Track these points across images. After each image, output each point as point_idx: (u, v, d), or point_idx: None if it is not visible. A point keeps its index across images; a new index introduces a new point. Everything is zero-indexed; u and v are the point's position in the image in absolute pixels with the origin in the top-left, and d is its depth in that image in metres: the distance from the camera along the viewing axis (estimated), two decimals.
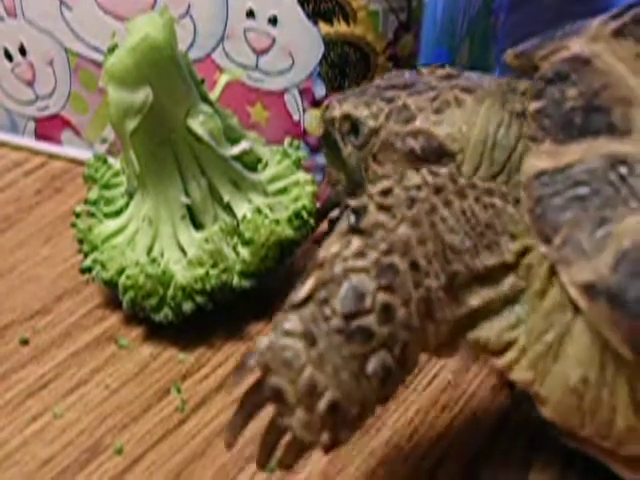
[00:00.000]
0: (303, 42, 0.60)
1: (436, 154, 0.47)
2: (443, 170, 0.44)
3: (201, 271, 0.53)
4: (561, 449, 0.46)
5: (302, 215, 0.55)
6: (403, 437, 0.49)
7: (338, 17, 0.59)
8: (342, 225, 0.41)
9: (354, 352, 0.39)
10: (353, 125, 0.50)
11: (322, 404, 0.38)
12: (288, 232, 0.55)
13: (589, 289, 0.39)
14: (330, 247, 0.41)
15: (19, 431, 0.50)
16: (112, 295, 0.57)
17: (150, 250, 0.54)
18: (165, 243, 0.54)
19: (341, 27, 0.59)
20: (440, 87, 0.49)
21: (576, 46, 0.45)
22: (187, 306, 0.54)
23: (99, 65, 0.65)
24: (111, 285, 0.55)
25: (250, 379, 0.39)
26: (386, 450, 0.49)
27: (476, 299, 0.42)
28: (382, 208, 0.41)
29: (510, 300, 0.43)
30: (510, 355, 0.43)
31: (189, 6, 0.62)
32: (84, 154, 0.69)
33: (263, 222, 0.54)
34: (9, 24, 0.67)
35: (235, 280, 0.54)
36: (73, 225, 0.57)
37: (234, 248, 0.54)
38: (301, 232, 0.55)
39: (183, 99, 0.53)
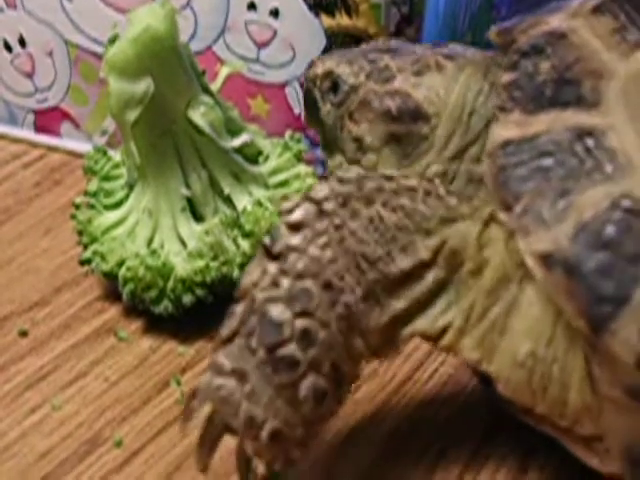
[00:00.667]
0: (304, 34, 0.60)
1: (411, 115, 0.47)
2: (351, 174, 0.44)
3: (201, 263, 0.53)
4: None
5: None
6: (404, 431, 0.49)
7: (340, 10, 0.59)
8: (261, 248, 0.42)
9: (283, 381, 0.40)
10: (333, 82, 0.49)
11: (264, 434, 0.40)
12: None
13: (547, 259, 0.39)
14: (251, 274, 0.41)
15: (17, 423, 0.50)
16: (111, 287, 0.57)
17: (150, 242, 0.54)
18: (165, 235, 0.54)
19: (343, 20, 0.59)
20: (423, 53, 0.49)
21: (555, 21, 0.44)
22: (187, 299, 0.53)
23: (99, 57, 0.65)
24: (111, 277, 0.54)
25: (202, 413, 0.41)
26: (387, 443, 0.48)
27: (401, 302, 0.42)
28: (292, 228, 0.41)
29: (435, 291, 0.43)
30: (449, 337, 0.42)
31: None
32: (83, 146, 0.68)
33: (263, 214, 0.54)
34: (8, 15, 0.66)
35: (235, 272, 0.54)
36: (73, 217, 0.57)
37: (234, 240, 0.54)
38: None
39: (184, 90, 0.53)
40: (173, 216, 0.54)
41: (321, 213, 0.42)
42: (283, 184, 0.56)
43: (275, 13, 0.60)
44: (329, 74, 0.49)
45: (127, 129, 0.52)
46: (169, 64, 0.52)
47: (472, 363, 0.43)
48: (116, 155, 0.58)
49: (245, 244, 0.54)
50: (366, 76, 0.48)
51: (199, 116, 0.53)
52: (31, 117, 0.69)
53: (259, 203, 0.54)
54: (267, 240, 0.41)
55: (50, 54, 0.66)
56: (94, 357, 0.54)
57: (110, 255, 0.54)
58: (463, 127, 0.46)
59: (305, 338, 0.40)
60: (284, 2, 0.59)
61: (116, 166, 0.58)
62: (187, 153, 0.54)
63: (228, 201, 0.55)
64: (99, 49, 0.65)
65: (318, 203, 0.42)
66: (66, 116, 0.68)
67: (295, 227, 0.41)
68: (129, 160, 0.54)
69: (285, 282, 0.40)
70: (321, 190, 0.42)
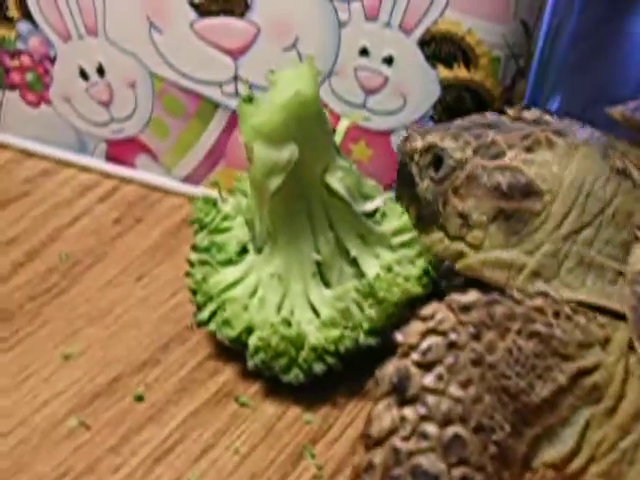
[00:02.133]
0: (418, 84, 0.58)
1: (523, 191, 0.46)
2: (470, 298, 0.42)
3: (336, 333, 0.51)
4: None
5: (430, 272, 0.54)
6: None
7: (459, 62, 0.57)
8: (382, 387, 0.40)
9: None
10: (435, 157, 0.48)
11: None
12: (417, 289, 0.53)
13: None
14: (381, 420, 0.40)
15: None
16: (220, 343, 0.55)
17: (279, 308, 0.52)
18: (296, 301, 0.52)
19: (461, 72, 0.57)
20: (529, 128, 0.48)
21: None
22: (318, 367, 0.52)
23: (186, 91, 0.63)
24: (238, 343, 0.53)
25: None
26: None
27: (535, 429, 0.41)
28: (423, 367, 0.40)
29: (567, 418, 0.42)
30: (575, 466, 0.42)
31: (296, 39, 0.59)
32: (159, 180, 0.66)
33: (395, 280, 0.52)
34: (88, 42, 0.63)
35: (361, 337, 0.53)
36: (188, 274, 0.54)
37: (358, 305, 0.53)
38: (428, 288, 0.54)
39: (323, 154, 0.51)
40: (304, 281, 0.52)
41: (451, 346, 0.40)
42: (407, 245, 0.55)
43: (389, 60, 0.58)
44: (431, 148, 0.48)
45: (266, 196, 0.50)
46: (313, 129, 0.50)
47: None
48: (225, 206, 0.56)
49: (372, 309, 0.53)
50: (473, 151, 0.47)
51: (336, 181, 0.51)
52: (103, 146, 0.66)
53: (389, 268, 0.53)
54: (395, 381, 0.40)
55: (132, 85, 0.63)
56: (219, 425, 0.52)
57: (235, 320, 0.52)
58: (579, 209, 0.45)
59: None
60: (400, 50, 0.58)
61: (225, 218, 0.55)
62: (318, 217, 0.52)
63: (354, 264, 0.53)
64: (188, 83, 0.62)
65: (444, 334, 0.41)
66: (143, 148, 0.65)
67: (426, 366, 0.40)
68: (261, 224, 0.52)
69: (432, 429, 0.39)
70: (445, 320, 0.41)
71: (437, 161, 0.48)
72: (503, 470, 0.39)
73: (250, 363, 0.52)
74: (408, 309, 0.54)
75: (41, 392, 0.53)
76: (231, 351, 0.54)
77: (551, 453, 0.41)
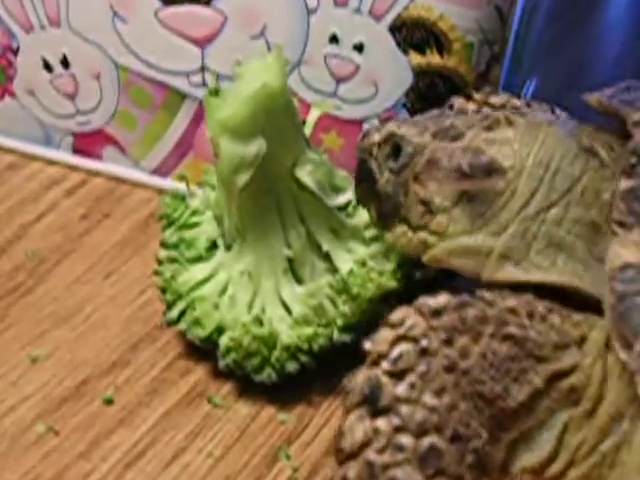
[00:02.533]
0: (389, 71, 0.57)
1: (485, 170, 0.44)
2: (440, 300, 0.40)
3: (309, 330, 0.50)
4: None
5: (404, 265, 0.52)
6: None
7: (432, 48, 0.56)
8: (353, 398, 0.39)
9: None
10: (394, 147, 0.47)
11: None
12: (392, 284, 0.52)
13: None
14: (353, 433, 0.38)
15: None
16: (191, 342, 0.53)
17: (250, 307, 0.51)
18: (267, 299, 0.51)
19: (434, 58, 0.56)
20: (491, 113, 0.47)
21: None
22: (291, 366, 0.51)
23: (152, 82, 0.61)
24: (208, 343, 0.51)
25: None
26: None
27: (512, 433, 0.40)
28: (395, 376, 0.39)
29: (543, 421, 0.40)
30: (554, 471, 0.41)
31: (264, 27, 0.57)
32: (127, 172, 0.64)
33: (369, 276, 0.51)
34: (51, 33, 0.61)
35: (335, 334, 0.52)
36: (157, 273, 0.53)
37: (332, 301, 0.51)
38: (403, 282, 0.52)
39: (292, 147, 0.50)
40: (275, 278, 0.51)
41: (422, 353, 0.39)
42: (380, 238, 0.53)
43: (359, 48, 0.56)
44: (390, 137, 0.47)
45: (234, 192, 0.49)
46: (281, 122, 0.49)
47: None
48: (193, 200, 0.54)
49: (346, 306, 0.51)
50: (432, 135, 0.46)
51: (307, 174, 0.50)
52: (69, 139, 0.65)
53: (363, 263, 0.51)
54: (366, 391, 0.38)
55: (97, 76, 0.62)
56: (191, 428, 0.51)
57: (206, 319, 0.51)
58: (546, 186, 0.44)
59: None
60: (370, 37, 0.56)
61: (194, 213, 0.54)
62: (288, 211, 0.51)
63: (326, 259, 0.52)
64: (155, 74, 0.60)
65: (415, 341, 0.39)
66: (110, 140, 0.64)
67: (397, 375, 0.38)
68: (229, 220, 0.51)
69: (407, 441, 0.38)
70: (415, 326, 0.39)
71: (396, 151, 0.47)
72: (481, 478, 0.38)
73: (221, 363, 0.51)
74: (382, 304, 0.53)
75: (8, 397, 0.51)
76: (202, 350, 0.53)
77: (529, 458, 0.40)
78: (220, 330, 0.51)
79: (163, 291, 0.53)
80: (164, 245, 0.54)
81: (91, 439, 0.50)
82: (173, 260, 0.53)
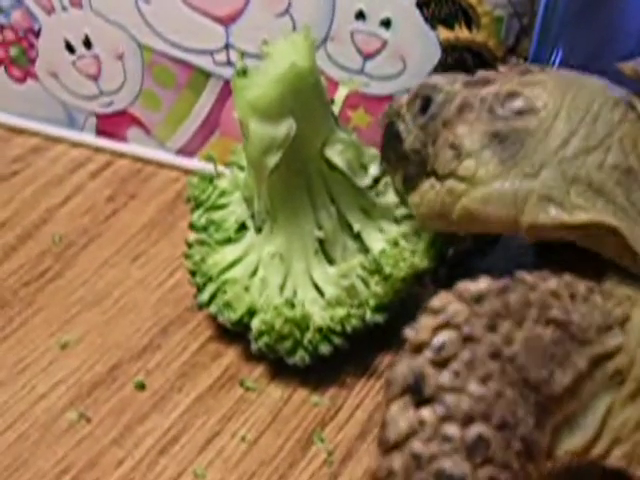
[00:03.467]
0: (417, 46, 0.56)
1: (516, 110, 0.43)
2: (480, 285, 0.39)
3: (342, 312, 0.50)
4: None
5: (437, 244, 0.51)
6: None
7: (460, 22, 0.54)
8: (395, 388, 0.37)
9: None
10: (424, 101, 0.46)
11: None
12: (424, 263, 0.51)
13: None
14: (397, 424, 0.37)
15: None
16: (222, 325, 0.53)
17: (282, 289, 0.50)
18: (299, 281, 0.50)
19: (462, 33, 0.55)
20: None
21: None
22: (325, 348, 0.50)
23: (177, 61, 0.60)
24: (240, 326, 0.51)
25: None
26: None
27: (556, 417, 0.39)
28: (438, 365, 0.37)
29: (586, 404, 0.40)
30: (597, 451, 0.40)
31: (289, 4, 0.56)
32: (152, 153, 0.64)
33: (402, 255, 0.50)
34: (72, 14, 0.61)
35: (368, 315, 0.51)
36: (187, 256, 0.52)
37: (363, 281, 0.51)
38: (436, 261, 0.52)
39: (322, 127, 0.49)
40: (306, 260, 0.50)
41: (466, 340, 0.38)
42: (412, 216, 0.52)
43: (386, 23, 0.55)
44: (420, 91, 0.46)
45: (264, 174, 0.48)
46: (310, 101, 0.48)
47: (615, 467, 0.40)
48: (221, 181, 0.54)
49: (378, 287, 0.51)
50: (463, 84, 0.45)
51: (336, 154, 0.49)
52: (93, 121, 0.64)
53: (395, 243, 0.51)
54: (409, 381, 0.37)
55: (120, 57, 0.61)
56: (224, 412, 0.50)
57: (237, 302, 0.50)
58: (586, 129, 0.42)
59: None
60: (397, 12, 0.55)
61: (222, 194, 0.53)
62: (318, 192, 0.50)
63: (357, 239, 0.51)
64: (178, 53, 0.60)
65: (458, 328, 0.38)
66: (135, 121, 0.63)
67: (441, 364, 0.37)
68: (259, 202, 0.50)
69: (453, 431, 0.36)
70: (458, 312, 0.38)
71: (426, 105, 0.45)
72: (528, 464, 0.37)
73: (254, 346, 0.51)
74: (415, 283, 0.52)
75: (39, 383, 0.51)
76: (233, 332, 0.53)
77: (573, 442, 0.39)
78: (251, 313, 0.50)
79: (193, 274, 0.52)
80: (193, 227, 0.53)
81: (123, 425, 0.49)
82: (202, 242, 0.52)
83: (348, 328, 0.50)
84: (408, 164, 0.46)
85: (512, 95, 0.43)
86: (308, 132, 0.48)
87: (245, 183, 0.51)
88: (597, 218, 0.41)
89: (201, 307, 0.52)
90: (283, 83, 0.46)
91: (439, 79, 0.46)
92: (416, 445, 0.36)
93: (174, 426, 0.49)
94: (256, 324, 0.50)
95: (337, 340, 0.50)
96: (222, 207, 0.53)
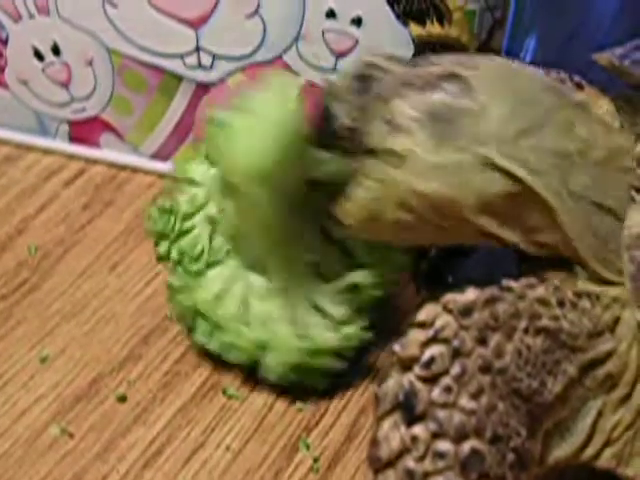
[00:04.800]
0: (390, 44, 0.55)
1: (454, 88, 0.42)
2: (468, 296, 0.38)
3: (351, 329, 0.49)
4: None
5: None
6: None
7: (432, 18, 0.54)
8: (386, 405, 0.37)
9: None
10: (361, 80, 0.44)
11: None
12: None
13: None
14: (389, 441, 0.36)
15: None
16: None
17: (286, 320, 0.49)
18: (300, 307, 0.49)
19: (434, 28, 0.54)
20: None
21: None
22: (340, 366, 0.49)
23: (147, 66, 0.59)
24: (249, 362, 0.50)
25: None
26: None
27: (546, 424, 0.39)
28: (429, 380, 0.37)
29: (577, 410, 0.40)
30: (588, 453, 0.40)
31: (258, 5, 0.56)
32: (127, 158, 0.63)
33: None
34: (40, 22, 0.60)
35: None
36: (171, 300, 0.51)
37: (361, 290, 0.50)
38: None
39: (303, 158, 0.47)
40: (303, 284, 0.49)
41: (456, 354, 0.37)
42: None
43: (358, 21, 0.55)
44: (359, 70, 0.44)
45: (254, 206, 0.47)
46: (294, 147, 0.46)
47: (605, 467, 0.40)
48: (180, 204, 0.51)
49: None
50: (405, 64, 0.44)
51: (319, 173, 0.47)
52: (65, 128, 0.63)
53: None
54: (400, 398, 0.37)
55: (89, 62, 0.60)
56: (207, 421, 0.50)
57: (241, 341, 0.49)
58: (522, 113, 0.42)
59: None
60: (368, 10, 0.54)
61: (186, 217, 0.51)
62: (302, 214, 0.49)
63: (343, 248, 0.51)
64: (148, 58, 0.59)
65: (447, 342, 0.37)
66: (107, 126, 0.62)
67: (432, 380, 0.37)
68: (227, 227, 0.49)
69: (447, 447, 0.36)
70: (446, 326, 0.37)
71: (365, 82, 0.44)
72: (521, 474, 0.37)
73: (265, 376, 0.50)
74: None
75: (20, 399, 0.51)
76: None
77: (564, 447, 0.39)
78: (260, 347, 0.49)
79: (180, 315, 0.51)
80: (161, 259, 0.51)
81: (107, 439, 0.49)
82: (180, 283, 0.50)
83: (359, 342, 0.49)
84: (342, 147, 0.44)
85: (450, 73, 0.42)
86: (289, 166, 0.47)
87: (220, 209, 0.50)
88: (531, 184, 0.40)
89: (210, 354, 0.51)
90: (272, 155, 0.45)
91: (381, 59, 0.44)
92: (409, 463, 0.36)
93: (158, 438, 0.49)
94: (271, 361, 0.49)
95: (350, 354, 0.49)
96: (187, 232, 0.51)
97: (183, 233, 0.51)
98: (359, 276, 0.49)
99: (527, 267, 0.42)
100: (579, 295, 0.40)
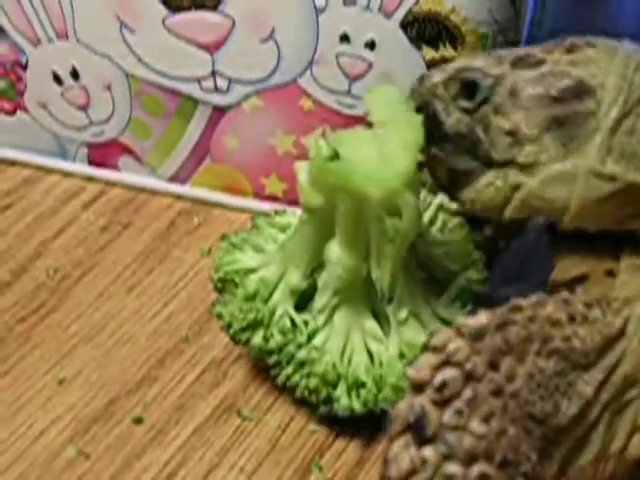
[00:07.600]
0: (403, 67, 0.56)
1: (575, 92, 0.43)
2: (481, 319, 0.38)
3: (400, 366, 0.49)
4: None
5: None
6: None
7: (445, 42, 0.54)
8: (397, 426, 0.37)
9: None
10: (465, 83, 0.45)
11: None
12: None
13: None
14: (399, 463, 0.36)
15: None
16: (219, 355, 0.53)
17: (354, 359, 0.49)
18: (432, 325, 0.49)
19: (448, 52, 0.55)
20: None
21: None
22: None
23: (164, 89, 0.60)
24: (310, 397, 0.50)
25: None
26: None
27: (566, 444, 0.39)
28: (440, 404, 0.37)
29: (596, 424, 0.40)
30: (612, 450, 0.40)
31: (273, 29, 0.56)
32: (145, 181, 0.64)
33: None
34: (59, 46, 0.61)
35: None
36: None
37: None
38: None
39: None
40: (429, 303, 0.49)
41: (468, 378, 0.37)
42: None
43: (371, 45, 0.55)
44: (459, 74, 0.45)
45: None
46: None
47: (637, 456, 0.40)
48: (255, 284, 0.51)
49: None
50: (511, 64, 0.44)
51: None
52: (84, 151, 0.64)
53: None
54: (411, 419, 0.37)
55: (108, 87, 0.61)
56: (222, 443, 0.50)
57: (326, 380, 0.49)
58: (624, 96, 0.43)
59: None
60: (382, 34, 0.55)
61: (250, 270, 0.51)
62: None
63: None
64: (166, 82, 0.60)
65: (459, 366, 0.37)
66: (125, 149, 0.63)
67: (443, 403, 0.37)
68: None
69: (456, 469, 0.36)
70: (458, 350, 0.38)
71: (468, 87, 0.45)
72: None
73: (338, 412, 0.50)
74: None
75: (37, 420, 0.51)
76: (229, 361, 0.53)
77: (585, 457, 0.39)
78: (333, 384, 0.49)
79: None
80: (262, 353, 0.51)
81: (122, 461, 0.49)
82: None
83: None
84: (451, 150, 0.45)
85: (565, 76, 0.43)
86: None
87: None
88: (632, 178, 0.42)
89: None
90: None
91: (482, 62, 0.45)
92: None
93: (172, 460, 0.49)
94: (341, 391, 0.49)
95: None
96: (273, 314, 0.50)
97: (271, 315, 0.50)
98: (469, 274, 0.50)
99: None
100: (589, 305, 0.40)
